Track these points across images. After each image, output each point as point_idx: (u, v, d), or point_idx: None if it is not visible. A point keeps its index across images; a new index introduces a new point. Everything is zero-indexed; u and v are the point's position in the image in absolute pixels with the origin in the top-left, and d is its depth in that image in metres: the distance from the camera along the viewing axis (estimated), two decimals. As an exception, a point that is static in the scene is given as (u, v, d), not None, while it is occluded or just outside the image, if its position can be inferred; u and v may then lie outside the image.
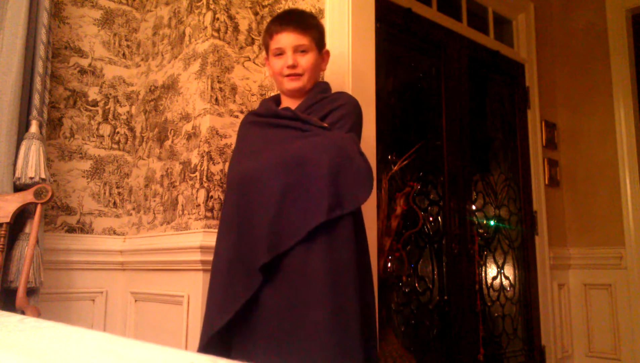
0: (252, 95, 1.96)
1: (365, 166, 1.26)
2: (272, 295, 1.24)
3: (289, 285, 1.23)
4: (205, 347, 1.30)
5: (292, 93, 1.47)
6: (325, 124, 1.34)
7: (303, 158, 1.26)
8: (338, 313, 1.17)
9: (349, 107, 1.40)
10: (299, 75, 1.43)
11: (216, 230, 1.75)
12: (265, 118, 1.46)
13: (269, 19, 2.03)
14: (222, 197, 1.80)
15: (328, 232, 1.21)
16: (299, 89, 1.45)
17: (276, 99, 1.56)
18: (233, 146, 1.86)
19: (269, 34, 1.47)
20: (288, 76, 1.43)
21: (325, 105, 1.41)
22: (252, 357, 1.25)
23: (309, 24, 1.47)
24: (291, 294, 1.22)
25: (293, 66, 1.42)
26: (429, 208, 2.47)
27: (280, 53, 1.44)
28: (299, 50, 1.43)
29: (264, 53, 2.01)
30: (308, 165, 1.25)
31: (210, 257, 1.70)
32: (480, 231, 2.70)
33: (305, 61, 1.43)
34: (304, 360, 1.17)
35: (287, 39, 1.42)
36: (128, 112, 2.27)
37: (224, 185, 1.82)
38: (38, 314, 1.56)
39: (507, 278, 2.82)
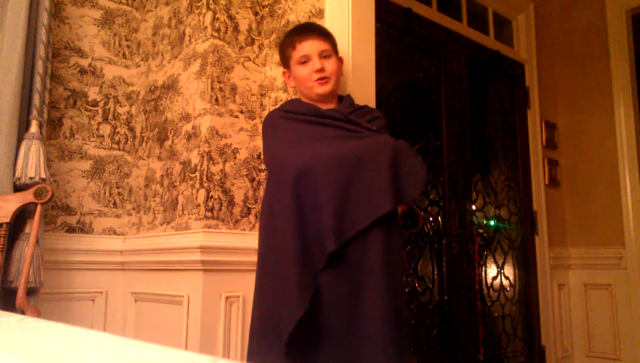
0: (252, 95, 1.96)
1: (420, 165, 1.40)
2: (331, 285, 1.29)
3: (347, 277, 1.29)
4: (288, 340, 1.23)
5: (322, 97, 1.53)
6: (374, 127, 1.45)
7: (362, 155, 1.35)
8: (394, 312, 1.27)
9: (384, 120, 1.55)
10: (327, 78, 1.51)
11: (216, 230, 1.76)
12: (307, 116, 1.49)
13: (269, 19, 2.03)
14: (222, 197, 1.80)
15: (383, 228, 1.32)
16: (330, 92, 1.53)
17: (303, 103, 1.58)
18: (233, 146, 1.86)
19: (291, 45, 1.54)
20: (318, 80, 1.50)
21: (364, 113, 1.53)
22: (310, 349, 1.26)
23: (327, 32, 1.57)
24: (350, 286, 1.29)
25: (321, 70, 1.49)
26: (429, 208, 2.47)
27: (305, 60, 1.52)
28: (323, 55, 1.51)
29: (264, 53, 2.02)
30: (368, 162, 1.35)
31: (210, 257, 1.71)
32: (480, 231, 2.70)
33: (330, 65, 1.52)
34: (360, 356, 1.23)
35: (311, 46, 1.51)
36: (128, 112, 2.27)
37: (224, 185, 1.82)
38: (38, 314, 1.56)
39: (507, 278, 2.82)
